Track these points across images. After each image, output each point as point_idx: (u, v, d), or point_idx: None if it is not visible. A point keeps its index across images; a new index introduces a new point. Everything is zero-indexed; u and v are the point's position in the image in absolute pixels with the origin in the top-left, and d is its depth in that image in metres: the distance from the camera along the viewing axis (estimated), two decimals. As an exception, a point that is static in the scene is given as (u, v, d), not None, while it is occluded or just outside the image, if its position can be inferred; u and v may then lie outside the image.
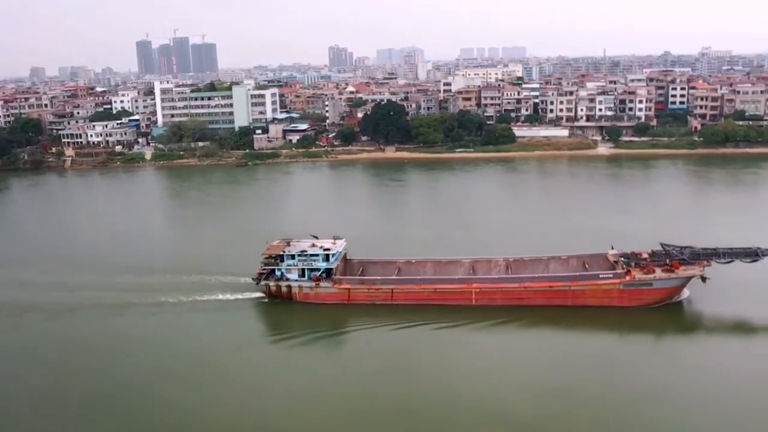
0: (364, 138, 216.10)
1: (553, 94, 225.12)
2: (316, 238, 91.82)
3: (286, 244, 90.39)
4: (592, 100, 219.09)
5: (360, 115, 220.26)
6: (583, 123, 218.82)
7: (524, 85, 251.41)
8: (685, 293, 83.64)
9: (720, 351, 72.19)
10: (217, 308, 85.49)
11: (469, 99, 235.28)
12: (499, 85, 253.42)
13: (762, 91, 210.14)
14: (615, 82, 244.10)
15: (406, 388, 64.80)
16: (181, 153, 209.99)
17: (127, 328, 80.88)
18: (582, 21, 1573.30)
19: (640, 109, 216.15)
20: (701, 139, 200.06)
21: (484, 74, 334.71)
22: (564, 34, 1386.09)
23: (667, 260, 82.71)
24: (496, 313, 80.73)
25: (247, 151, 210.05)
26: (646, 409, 59.70)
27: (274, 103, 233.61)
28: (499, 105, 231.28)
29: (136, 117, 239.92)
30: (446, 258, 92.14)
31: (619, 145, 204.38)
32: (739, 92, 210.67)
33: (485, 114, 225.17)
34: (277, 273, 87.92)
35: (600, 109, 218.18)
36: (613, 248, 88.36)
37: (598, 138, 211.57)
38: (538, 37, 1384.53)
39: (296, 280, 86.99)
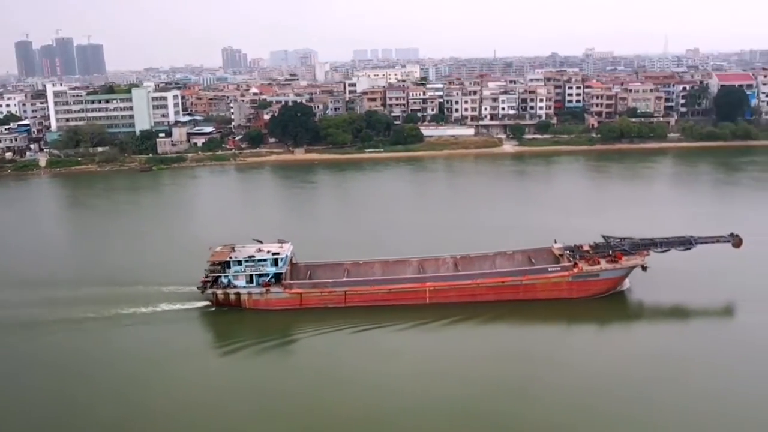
0: (272, 140, 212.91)
1: (457, 93, 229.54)
2: (260, 242, 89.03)
3: (231, 249, 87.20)
4: (495, 100, 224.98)
5: (267, 116, 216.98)
6: (487, 122, 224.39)
7: (428, 86, 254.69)
8: (626, 283, 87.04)
9: (662, 336, 75.28)
10: (160, 320, 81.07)
11: (374, 99, 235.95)
12: (403, 85, 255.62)
13: (651, 90, 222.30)
14: (515, 82, 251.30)
15: (360, 395, 63.47)
16: (79, 159, 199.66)
17: (60, 346, 75.81)
18: (472, 23, 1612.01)
19: (541, 108, 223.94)
20: (599, 135, 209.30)
21: (384, 75, 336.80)
22: (455, 35, 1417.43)
23: (610, 251, 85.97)
24: (450, 310, 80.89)
25: (151, 155, 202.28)
26: (596, 400, 61.76)
27: (176, 105, 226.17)
28: (404, 105, 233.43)
29: (25, 122, 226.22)
30: (394, 258, 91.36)
31: (524, 143, 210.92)
32: (630, 91, 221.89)
33: (392, 114, 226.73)
34: (224, 280, 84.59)
35: (503, 108, 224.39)
36: (556, 242, 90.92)
37: (503, 136, 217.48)
38: (430, 38, 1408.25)
39: (244, 287, 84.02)
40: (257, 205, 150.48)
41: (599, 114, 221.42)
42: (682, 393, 62.14)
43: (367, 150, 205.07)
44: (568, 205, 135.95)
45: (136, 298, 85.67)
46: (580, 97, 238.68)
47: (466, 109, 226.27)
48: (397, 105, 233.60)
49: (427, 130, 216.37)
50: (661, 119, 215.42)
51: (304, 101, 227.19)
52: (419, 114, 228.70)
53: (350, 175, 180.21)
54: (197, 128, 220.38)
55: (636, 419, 58.13)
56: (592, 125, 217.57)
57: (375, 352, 72.17)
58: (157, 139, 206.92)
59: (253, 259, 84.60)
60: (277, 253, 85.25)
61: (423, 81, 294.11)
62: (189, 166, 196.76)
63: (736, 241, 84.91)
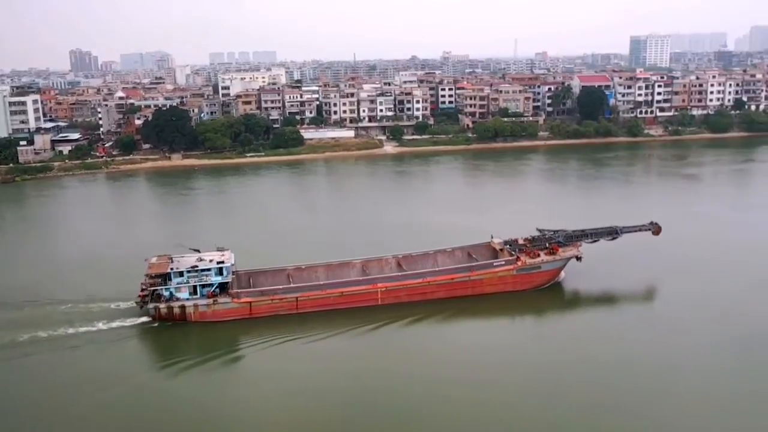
0: (146, 146, 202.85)
1: (335, 96, 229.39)
2: (198, 251, 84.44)
3: (169, 260, 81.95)
4: (372, 102, 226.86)
5: (138, 121, 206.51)
6: (366, 123, 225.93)
7: (304, 88, 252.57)
8: (562, 274, 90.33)
9: (599, 322, 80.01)
10: (96, 340, 74.27)
11: (249, 102, 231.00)
12: (278, 87, 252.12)
13: (520, 91, 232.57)
14: (390, 84, 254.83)
15: (317, 406, 61.13)
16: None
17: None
18: (329, 26, 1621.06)
19: (418, 109, 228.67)
20: (475, 135, 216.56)
21: (251, 78, 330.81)
22: (312, 38, 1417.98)
23: (547, 244, 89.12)
24: (403, 310, 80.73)
25: (11, 165, 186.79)
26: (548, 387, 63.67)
27: (36, 111, 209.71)
28: (280, 108, 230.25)
29: None
30: (337, 260, 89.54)
31: (404, 144, 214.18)
32: (501, 92, 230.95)
33: (270, 117, 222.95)
34: (165, 293, 79.56)
35: (381, 110, 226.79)
36: (492, 237, 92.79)
37: (383, 137, 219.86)
38: (287, 41, 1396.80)
39: (188, 299, 79.37)
40: (146, 214, 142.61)
41: (473, 114, 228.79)
42: (645, 378, 64.92)
43: (248, 154, 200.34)
44: (460, 203, 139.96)
45: (58, 318, 78.59)
46: (453, 99, 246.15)
47: (344, 111, 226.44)
48: (273, 108, 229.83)
49: (308, 133, 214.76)
50: (531, 119, 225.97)
51: (175, 105, 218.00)
52: (298, 117, 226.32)
53: (234, 181, 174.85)
54: (62, 135, 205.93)
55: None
56: (467, 125, 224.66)
57: (330, 360, 69.78)
58: (18, 148, 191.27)
59: (196, 269, 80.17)
60: (222, 262, 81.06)
61: (298, 83, 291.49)
62: (56, 176, 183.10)
63: (656, 228, 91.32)
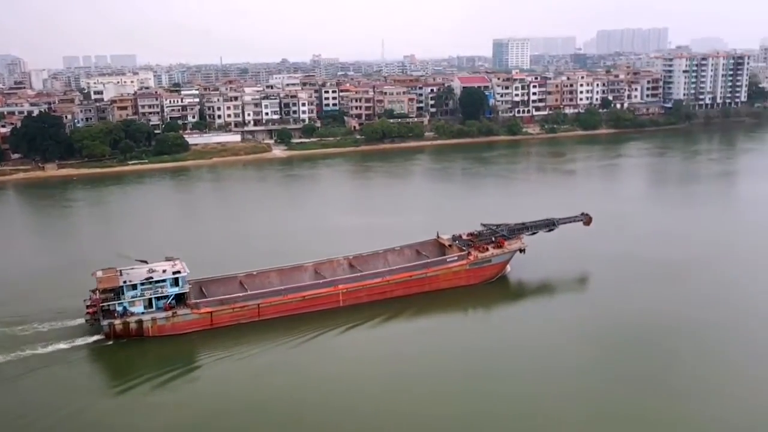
0: (15, 156, 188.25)
1: (218, 99, 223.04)
2: (146, 262, 79.40)
3: (118, 273, 76.16)
4: (257, 105, 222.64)
5: (4, 129, 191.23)
6: (252, 127, 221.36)
7: (183, 92, 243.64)
8: (508, 266, 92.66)
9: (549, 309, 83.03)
10: (44, 365, 67.58)
11: (125, 108, 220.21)
12: (156, 92, 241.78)
13: (404, 92, 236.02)
14: (272, 87, 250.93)
15: (292, 420, 58.87)
16: None
17: None
18: (191, 29, 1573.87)
19: (304, 112, 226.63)
20: (363, 136, 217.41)
21: (118, 82, 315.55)
22: (174, 41, 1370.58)
23: (493, 238, 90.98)
24: (365, 311, 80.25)
25: None
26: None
27: None
28: (159, 113, 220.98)
29: None
30: (289, 265, 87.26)
31: (292, 147, 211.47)
32: (386, 93, 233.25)
33: (150, 123, 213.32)
34: (118, 308, 74.17)
35: (266, 113, 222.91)
36: (438, 234, 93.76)
37: (271, 141, 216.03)
38: (149, 44, 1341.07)
39: (144, 313, 74.52)
40: (32, 231, 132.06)
41: (359, 116, 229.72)
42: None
43: (130, 162, 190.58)
44: (362, 205, 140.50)
45: (20, 340, 71.99)
46: (336, 101, 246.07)
47: (229, 115, 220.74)
48: (151, 113, 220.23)
49: (192, 138, 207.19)
50: (416, 119, 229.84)
51: (44, 111, 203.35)
52: (180, 121, 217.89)
53: (119, 190, 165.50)
54: None
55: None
56: (354, 127, 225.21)
57: (303, 368, 67.70)
58: None
59: (150, 280, 75.48)
60: (178, 272, 76.85)
61: (176, 88, 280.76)
62: None
63: (587, 219, 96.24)
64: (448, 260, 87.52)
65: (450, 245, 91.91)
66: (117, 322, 73.54)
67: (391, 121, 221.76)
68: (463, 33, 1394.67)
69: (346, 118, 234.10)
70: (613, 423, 56.93)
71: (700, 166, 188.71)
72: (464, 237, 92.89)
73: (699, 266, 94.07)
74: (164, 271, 77.46)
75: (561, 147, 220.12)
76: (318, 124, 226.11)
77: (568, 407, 58.86)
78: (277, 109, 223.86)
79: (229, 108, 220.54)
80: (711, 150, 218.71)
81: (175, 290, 76.19)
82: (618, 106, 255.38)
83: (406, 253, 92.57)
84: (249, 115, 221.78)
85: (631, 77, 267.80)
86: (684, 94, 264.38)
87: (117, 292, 74.69)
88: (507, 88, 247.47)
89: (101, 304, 74.13)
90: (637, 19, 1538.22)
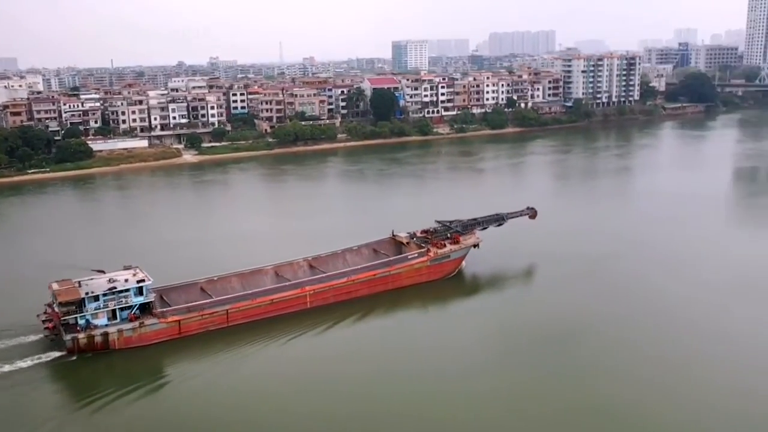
0: None
1: (122, 104, 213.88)
2: (103, 272, 76.03)
3: (76, 284, 72.48)
4: (164, 109, 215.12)
5: None
6: (159, 132, 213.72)
7: (83, 96, 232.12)
8: (463, 262, 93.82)
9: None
10: (3, 387, 62.98)
11: (18, 113, 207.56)
12: (52, 96, 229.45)
13: (314, 94, 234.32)
14: (177, 90, 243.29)
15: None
16: None
17: None
18: (78, 30, 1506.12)
19: (213, 115, 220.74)
20: (275, 139, 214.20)
21: (6, 86, 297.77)
22: (58, 44, 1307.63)
23: (448, 234, 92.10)
24: (332, 311, 80.00)
25: None
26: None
27: None
28: (57, 118, 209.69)
29: None
30: (249, 269, 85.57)
31: (203, 152, 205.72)
32: (296, 95, 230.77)
33: (49, 129, 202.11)
34: (80, 321, 70.19)
35: (174, 117, 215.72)
36: (393, 232, 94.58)
37: (180, 146, 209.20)
38: (30, 47, 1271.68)
39: (108, 325, 70.92)
40: None
41: (270, 119, 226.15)
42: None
43: (29, 171, 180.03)
44: (283, 210, 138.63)
45: None
46: (245, 104, 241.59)
47: (134, 120, 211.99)
48: (48, 119, 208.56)
49: (96, 145, 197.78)
50: (327, 121, 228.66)
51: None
52: (81, 127, 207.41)
53: (19, 201, 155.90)
54: None
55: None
56: (266, 130, 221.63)
57: (276, 373, 66.70)
58: None
59: (114, 291, 71.79)
60: (142, 280, 73.45)
61: (75, 92, 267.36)
62: None
63: (532, 213, 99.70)
64: (409, 257, 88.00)
65: (408, 242, 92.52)
66: (81, 336, 69.59)
67: (303, 123, 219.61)
68: (360, 36, 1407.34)
69: (256, 121, 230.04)
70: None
71: (601, 161, 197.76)
72: (419, 234, 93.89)
73: (608, 261, 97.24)
74: (126, 280, 73.93)
75: (471, 146, 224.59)
76: (228, 127, 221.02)
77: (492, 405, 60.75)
78: (185, 112, 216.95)
79: (134, 112, 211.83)
80: (609, 146, 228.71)
81: (140, 299, 73.03)
82: (522, 105, 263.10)
83: (363, 253, 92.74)
84: (155, 119, 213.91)
85: (533, 77, 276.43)
86: (583, 93, 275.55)
87: (78, 305, 70.48)
88: (416, 89, 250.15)
89: (62, 318, 69.67)
90: (527, 22, 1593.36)
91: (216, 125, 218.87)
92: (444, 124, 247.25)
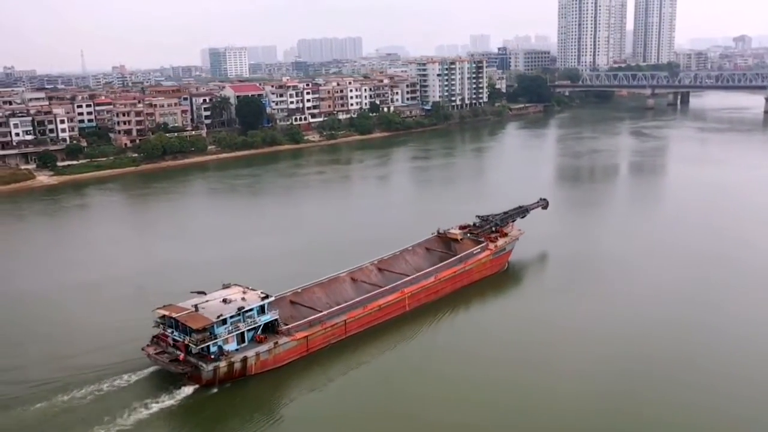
0: None
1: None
2: (204, 293, 69.05)
3: (193, 308, 65.06)
4: (4, 125, 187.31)
5: None
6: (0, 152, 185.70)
7: None
8: None
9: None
10: None
11: None
12: None
13: (176, 104, 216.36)
14: (11, 103, 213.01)
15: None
16: None
17: None
18: None
19: (64, 130, 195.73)
20: (141, 154, 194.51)
21: None
22: None
23: (493, 228, 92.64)
24: (427, 311, 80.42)
25: None
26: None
27: None
28: None
29: None
30: (326, 277, 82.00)
31: (60, 172, 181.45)
32: (156, 106, 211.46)
33: None
34: (213, 348, 63.26)
35: (17, 134, 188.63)
36: (439, 229, 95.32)
37: (30, 167, 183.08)
38: None
39: (238, 349, 64.81)
40: None
41: (129, 132, 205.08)
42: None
43: None
44: (166, 234, 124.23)
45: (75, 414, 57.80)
46: (92, 116, 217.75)
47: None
48: None
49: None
50: (194, 133, 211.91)
51: None
52: None
53: None
54: None
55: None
56: (125, 144, 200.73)
57: (423, 377, 65.55)
58: None
59: (242, 311, 65.44)
60: (266, 297, 68.14)
61: None
62: None
63: (545, 204, 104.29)
64: (474, 252, 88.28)
65: (461, 239, 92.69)
66: (222, 364, 62.71)
67: (168, 135, 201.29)
68: (166, 46, 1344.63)
69: (112, 135, 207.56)
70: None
71: (463, 162, 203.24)
72: (459, 230, 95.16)
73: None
74: (243, 299, 67.71)
75: (345, 153, 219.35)
76: (84, 143, 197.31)
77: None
78: (30, 128, 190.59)
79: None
80: (465, 150, 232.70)
81: (266, 318, 67.62)
82: (385, 109, 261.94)
83: (419, 252, 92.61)
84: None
85: (392, 82, 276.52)
86: (440, 96, 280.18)
87: (209, 330, 63.35)
88: (281, 95, 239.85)
89: (197, 347, 62.58)
90: (332, 30, 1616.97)
91: (68, 141, 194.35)
92: (313, 131, 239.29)
